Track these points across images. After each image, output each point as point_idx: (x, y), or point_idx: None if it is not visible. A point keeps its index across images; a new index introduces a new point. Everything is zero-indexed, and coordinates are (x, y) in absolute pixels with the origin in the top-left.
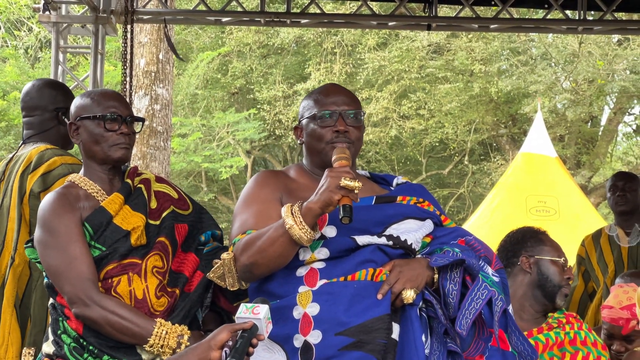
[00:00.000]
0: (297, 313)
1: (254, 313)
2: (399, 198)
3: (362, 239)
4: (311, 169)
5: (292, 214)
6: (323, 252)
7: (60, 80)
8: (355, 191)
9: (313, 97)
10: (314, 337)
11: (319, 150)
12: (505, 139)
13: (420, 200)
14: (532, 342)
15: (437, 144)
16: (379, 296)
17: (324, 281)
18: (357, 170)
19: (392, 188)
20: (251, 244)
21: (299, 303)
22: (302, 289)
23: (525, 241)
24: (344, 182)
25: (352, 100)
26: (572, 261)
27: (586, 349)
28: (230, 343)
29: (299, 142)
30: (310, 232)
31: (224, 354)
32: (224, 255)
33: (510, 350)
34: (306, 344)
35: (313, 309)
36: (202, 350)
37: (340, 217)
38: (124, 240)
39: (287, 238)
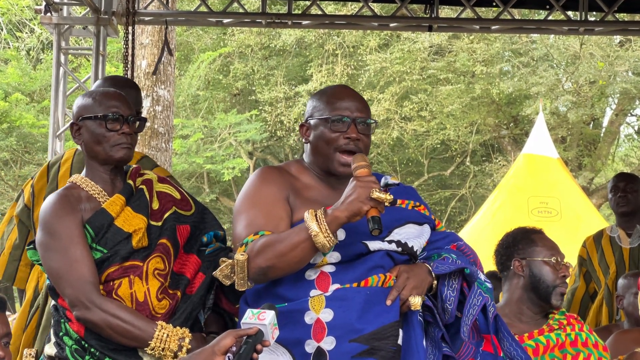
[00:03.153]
0: (309, 318)
1: (260, 319)
2: (398, 201)
3: (373, 245)
4: (313, 168)
5: (317, 220)
6: (334, 256)
7: (62, 82)
8: (386, 204)
9: (325, 99)
10: (328, 343)
11: (326, 154)
12: (507, 140)
13: (417, 204)
14: (532, 343)
15: (438, 145)
16: (388, 302)
17: (336, 286)
18: None
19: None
20: (268, 247)
21: (312, 308)
22: (313, 293)
23: (517, 244)
24: (376, 194)
25: (365, 107)
26: (573, 262)
27: (587, 350)
28: (234, 349)
29: (303, 140)
30: (334, 240)
31: (227, 359)
32: (239, 257)
33: (502, 355)
34: (319, 350)
35: (326, 315)
36: (206, 356)
37: (370, 229)
38: (126, 242)
39: (310, 244)
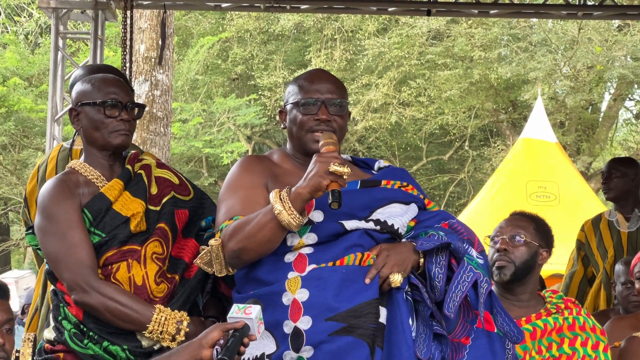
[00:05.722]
0: (286, 299)
1: (246, 313)
2: (383, 182)
3: (349, 224)
4: (294, 154)
5: (280, 199)
6: (311, 237)
7: (60, 67)
8: (344, 176)
9: (298, 83)
10: (304, 322)
11: (299, 137)
12: (506, 124)
13: (404, 184)
14: (529, 327)
15: (437, 130)
16: (367, 280)
17: (312, 266)
18: (341, 155)
19: (374, 172)
20: (239, 230)
21: (288, 289)
22: (291, 274)
23: None
24: (333, 167)
25: (336, 88)
26: (572, 246)
27: (585, 334)
28: (221, 342)
29: (282, 126)
30: (299, 218)
31: (215, 352)
32: (212, 242)
33: (495, 331)
34: (296, 330)
35: (302, 295)
36: (194, 349)
37: (329, 202)
38: (124, 226)
39: (275, 223)
